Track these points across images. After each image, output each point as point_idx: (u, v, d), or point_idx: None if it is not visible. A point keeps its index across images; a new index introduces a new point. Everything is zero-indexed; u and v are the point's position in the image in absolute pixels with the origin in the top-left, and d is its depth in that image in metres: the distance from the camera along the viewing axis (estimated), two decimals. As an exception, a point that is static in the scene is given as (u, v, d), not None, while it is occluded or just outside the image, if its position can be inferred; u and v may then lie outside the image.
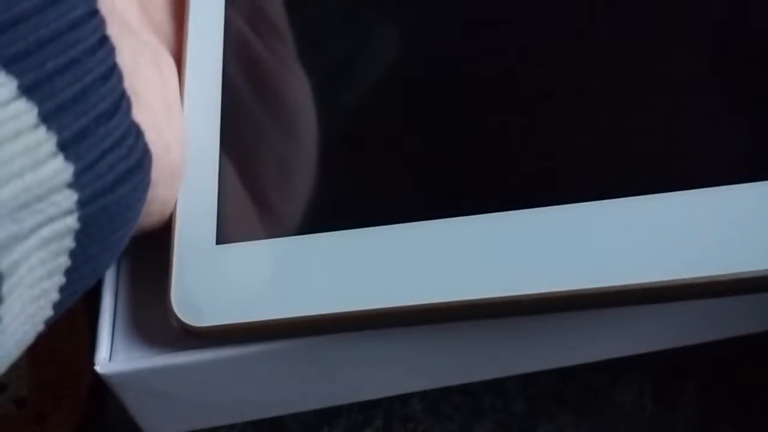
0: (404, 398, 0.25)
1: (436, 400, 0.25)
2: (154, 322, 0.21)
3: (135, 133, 0.17)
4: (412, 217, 0.19)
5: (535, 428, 0.25)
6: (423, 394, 0.25)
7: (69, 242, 0.15)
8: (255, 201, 0.20)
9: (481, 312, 0.18)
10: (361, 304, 0.18)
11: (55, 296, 0.16)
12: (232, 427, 0.25)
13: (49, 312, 0.16)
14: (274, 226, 0.20)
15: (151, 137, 0.17)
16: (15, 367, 0.26)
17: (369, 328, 0.19)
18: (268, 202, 0.20)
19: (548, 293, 0.17)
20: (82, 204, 0.15)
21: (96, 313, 0.21)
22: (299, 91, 0.21)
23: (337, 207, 0.20)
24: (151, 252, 0.20)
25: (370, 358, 0.21)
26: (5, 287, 0.14)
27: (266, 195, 0.20)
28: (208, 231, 0.20)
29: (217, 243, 0.19)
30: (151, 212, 0.19)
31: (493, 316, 0.18)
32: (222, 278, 0.19)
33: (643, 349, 0.23)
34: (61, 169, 0.15)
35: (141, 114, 0.17)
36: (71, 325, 0.26)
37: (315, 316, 0.18)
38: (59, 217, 0.15)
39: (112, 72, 0.16)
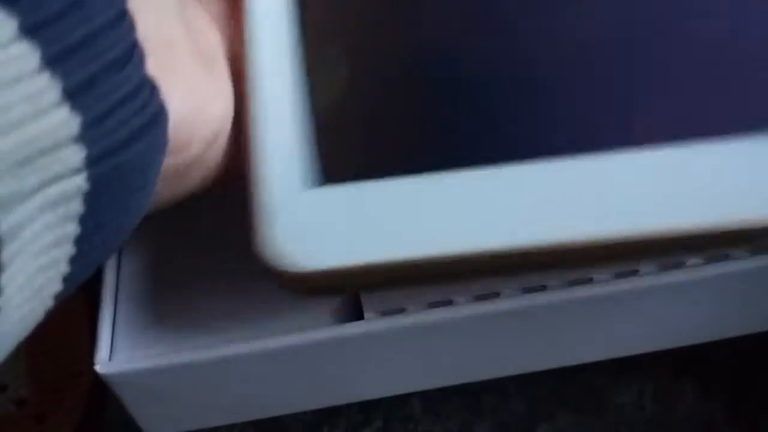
0: (404, 398, 0.25)
1: (436, 400, 0.25)
2: (154, 321, 0.21)
3: (150, 87, 0.15)
4: (516, 157, 0.18)
5: (535, 428, 0.25)
6: (423, 394, 0.25)
7: (78, 206, 0.14)
8: (356, 139, 0.19)
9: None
10: (467, 245, 0.17)
11: (64, 268, 0.14)
12: (232, 427, 0.25)
13: (58, 286, 0.14)
14: (374, 167, 0.18)
15: (181, 93, 0.16)
16: (15, 367, 0.26)
17: (474, 272, 0.18)
18: (370, 141, 0.19)
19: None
20: (91, 162, 0.14)
21: (96, 313, 0.21)
22: None
23: (445, 146, 0.19)
24: (150, 252, 0.20)
25: (370, 358, 0.22)
26: (5, 253, 0.13)
27: (369, 133, 0.19)
28: (303, 173, 0.18)
29: (314, 185, 0.18)
30: (191, 176, 0.17)
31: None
32: (322, 220, 0.18)
33: (643, 349, 0.23)
34: (66, 120, 0.13)
35: (169, 69, 0.16)
36: (71, 325, 0.26)
37: (425, 258, 0.17)
38: (67, 175, 0.13)
39: (123, 18, 0.14)
